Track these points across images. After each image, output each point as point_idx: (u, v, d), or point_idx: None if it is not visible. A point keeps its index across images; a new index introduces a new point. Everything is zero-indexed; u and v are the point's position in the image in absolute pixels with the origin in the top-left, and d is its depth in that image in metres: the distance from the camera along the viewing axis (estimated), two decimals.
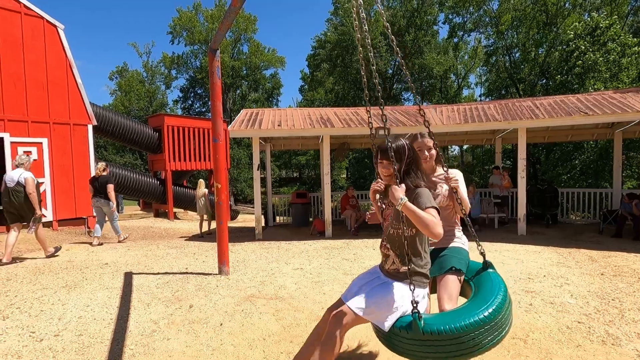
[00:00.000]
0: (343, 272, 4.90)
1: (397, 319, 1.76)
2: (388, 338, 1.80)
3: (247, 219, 14.79)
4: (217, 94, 4.70)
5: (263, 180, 13.58)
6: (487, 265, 2.01)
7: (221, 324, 3.20)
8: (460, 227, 2.18)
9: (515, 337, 2.91)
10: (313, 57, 31.87)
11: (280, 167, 35.74)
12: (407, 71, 2.16)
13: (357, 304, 1.82)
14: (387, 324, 1.75)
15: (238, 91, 36.96)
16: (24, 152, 7.84)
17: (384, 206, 2.03)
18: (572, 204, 9.66)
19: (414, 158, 1.92)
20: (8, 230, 5.60)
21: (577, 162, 17.82)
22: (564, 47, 18.16)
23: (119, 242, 7.48)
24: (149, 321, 3.27)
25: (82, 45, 66.73)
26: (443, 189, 2.17)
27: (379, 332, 1.86)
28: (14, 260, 5.59)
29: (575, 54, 16.22)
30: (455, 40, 27.68)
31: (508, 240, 6.93)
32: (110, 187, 6.97)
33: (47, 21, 8.27)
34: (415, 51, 27.23)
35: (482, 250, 2.02)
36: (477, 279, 2.02)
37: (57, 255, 5.96)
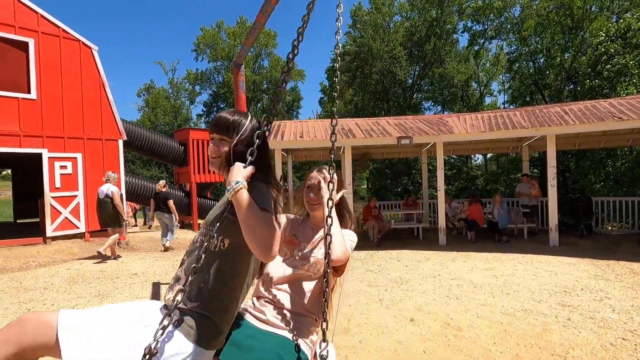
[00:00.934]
0: (367, 283, 4.83)
1: None
2: None
3: None
4: (242, 107, 4.82)
5: (285, 192, 13.69)
6: None
7: None
8: (319, 325, 1.41)
9: (553, 354, 2.77)
10: (332, 70, 32.23)
11: (301, 178, 36.04)
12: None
13: (74, 320, 1.09)
14: None
15: (259, 104, 37.76)
16: (60, 166, 8.27)
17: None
18: (608, 213, 9.18)
19: (263, 145, 1.25)
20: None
21: (610, 169, 16.98)
22: (593, 50, 17.57)
23: (163, 250, 8.11)
24: None
25: (113, 63, 70.41)
26: (319, 253, 1.47)
27: None
28: (109, 257, 6.68)
29: (604, 58, 15.66)
30: (476, 48, 27.33)
31: (540, 252, 6.64)
32: (171, 202, 7.91)
33: (83, 43, 8.78)
34: (435, 60, 27.04)
35: (323, 354, 1.22)
36: None
37: (104, 261, 6.52)
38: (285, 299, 1.40)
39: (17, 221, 13.60)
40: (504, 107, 28.65)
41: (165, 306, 1.20)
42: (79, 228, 8.53)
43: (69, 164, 8.44)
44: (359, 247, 6.41)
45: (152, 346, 0.97)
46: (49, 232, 8.06)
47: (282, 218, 1.62)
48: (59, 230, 8.23)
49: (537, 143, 9.23)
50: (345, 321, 3.44)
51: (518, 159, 19.41)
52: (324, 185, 1.51)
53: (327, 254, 1.30)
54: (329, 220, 1.32)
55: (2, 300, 4.34)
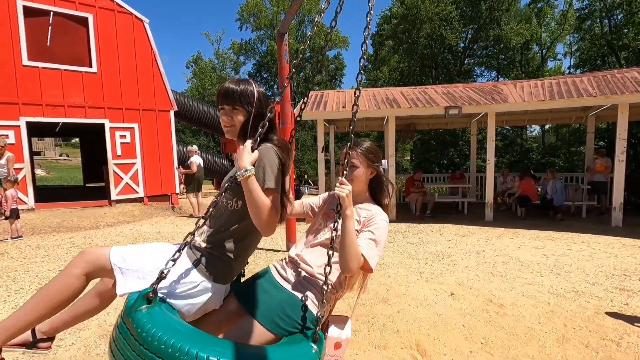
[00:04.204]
0: (408, 255, 4.83)
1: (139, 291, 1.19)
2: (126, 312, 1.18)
3: None
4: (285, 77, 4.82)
5: (327, 162, 13.76)
6: (315, 337, 1.25)
7: None
8: (335, 293, 1.45)
9: (605, 338, 2.64)
10: (377, 34, 30.75)
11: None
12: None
13: (120, 249, 1.35)
14: (122, 288, 1.25)
15: (302, 74, 37.39)
16: (120, 135, 8.94)
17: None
18: None
19: (269, 114, 1.34)
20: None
21: None
22: None
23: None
24: None
25: (164, 37, 72.71)
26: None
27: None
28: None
29: None
30: (540, 5, 24.46)
31: (599, 232, 6.17)
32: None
33: (136, 17, 9.13)
34: (492, 21, 24.66)
35: (319, 316, 1.27)
36: (291, 338, 1.32)
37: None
38: (306, 262, 1.48)
39: (86, 185, 15.10)
40: (569, 72, 25.78)
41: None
42: (138, 193, 9.30)
43: (127, 133, 9.10)
44: (401, 219, 6.39)
45: (164, 271, 1.17)
46: (113, 196, 8.89)
47: (328, 194, 1.72)
48: (122, 195, 9.04)
49: (605, 112, 8.33)
50: (384, 291, 3.51)
51: (582, 131, 17.68)
52: (342, 195, 1.33)
53: (332, 241, 1.30)
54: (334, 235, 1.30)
55: None
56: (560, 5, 26.02)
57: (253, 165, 1.26)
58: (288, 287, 1.44)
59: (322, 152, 8.08)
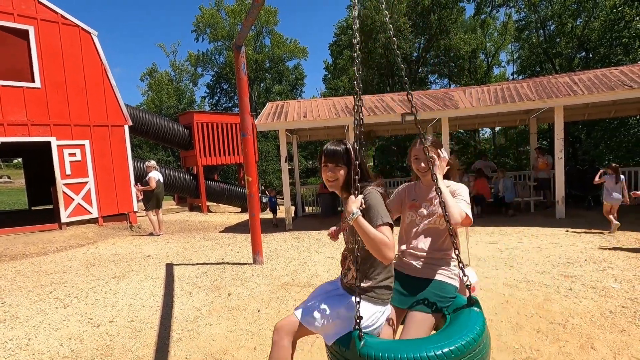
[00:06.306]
0: None
1: (343, 335, 1.53)
2: (331, 355, 1.60)
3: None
4: (244, 89, 4.81)
5: (291, 172, 13.77)
6: (472, 301, 1.65)
7: (258, 311, 3.35)
8: (456, 255, 1.70)
9: (553, 322, 2.86)
10: (335, 45, 31.50)
11: (307, 158, 35.97)
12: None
13: (305, 313, 1.67)
14: (331, 339, 1.56)
15: (262, 84, 37.30)
16: (69, 153, 8.41)
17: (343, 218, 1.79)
18: None
19: (361, 161, 1.59)
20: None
21: (623, 138, 16.62)
22: (607, 14, 16.82)
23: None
24: (192, 308, 3.48)
25: (115, 50, 69.60)
26: (439, 209, 1.76)
27: (326, 347, 1.66)
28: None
29: (622, 23, 14.97)
30: (483, 16, 26.33)
31: (546, 224, 6.68)
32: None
33: (82, 29, 8.70)
34: (441, 31, 26.19)
35: (468, 283, 1.63)
36: (456, 314, 1.67)
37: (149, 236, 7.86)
38: (423, 250, 1.81)
39: (32, 208, 13.97)
40: (513, 78, 27.86)
41: (348, 288, 1.71)
42: (91, 213, 8.76)
43: (77, 151, 8.57)
44: None
45: (358, 314, 1.46)
46: (64, 218, 8.31)
47: (398, 190, 2.03)
48: (73, 216, 8.47)
49: (545, 115, 9.08)
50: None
51: (527, 131, 19.11)
52: (438, 163, 1.83)
53: (447, 222, 1.65)
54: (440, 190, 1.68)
55: (25, 283, 4.56)
56: (501, 17, 28.06)
57: (359, 208, 1.47)
58: (424, 276, 1.78)
59: (285, 161, 8.09)
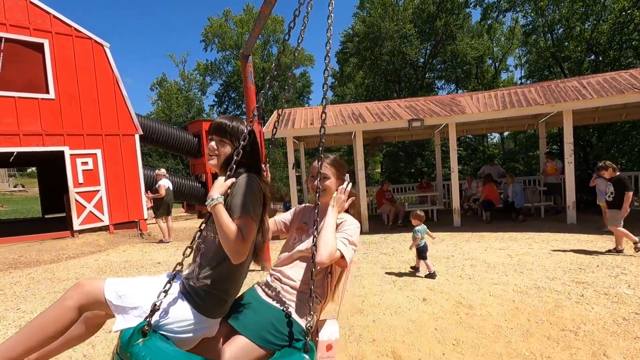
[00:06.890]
0: (381, 266, 4.93)
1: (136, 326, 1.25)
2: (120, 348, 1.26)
3: None
4: (252, 98, 4.89)
5: (298, 179, 13.82)
6: (307, 348, 1.32)
7: None
8: (319, 303, 1.51)
9: (564, 329, 2.82)
10: (341, 52, 31.72)
11: None
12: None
13: (114, 283, 1.35)
14: (118, 324, 1.28)
15: (270, 92, 37.71)
16: (82, 162, 8.59)
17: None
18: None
19: (252, 144, 1.45)
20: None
21: (635, 142, 16.34)
22: (616, 17, 16.68)
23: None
24: None
25: (126, 59, 71.18)
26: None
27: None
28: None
29: (631, 27, 14.83)
30: (490, 21, 26.30)
31: (557, 230, 6.58)
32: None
33: (95, 41, 8.95)
34: (447, 37, 26.21)
35: (309, 326, 1.33)
36: (283, 355, 1.38)
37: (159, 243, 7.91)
38: (287, 277, 1.55)
39: (45, 216, 14.25)
40: (521, 83, 27.66)
41: (180, 277, 1.45)
42: (103, 221, 8.91)
43: (89, 160, 8.76)
44: (373, 230, 6.50)
45: (157, 304, 1.23)
46: (76, 226, 8.46)
47: (295, 208, 1.85)
48: (85, 224, 8.62)
49: (554, 119, 8.99)
50: (359, 302, 3.57)
51: (536, 136, 18.90)
52: (336, 195, 1.61)
53: (313, 255, 1.37)
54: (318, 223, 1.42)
55: (39, 290, 4.65)
56: (507, 22, 28.01)
57: (223, 195, 1.31)
58: (274, 303, 1.50)
59: (292, 169, 8.15)
